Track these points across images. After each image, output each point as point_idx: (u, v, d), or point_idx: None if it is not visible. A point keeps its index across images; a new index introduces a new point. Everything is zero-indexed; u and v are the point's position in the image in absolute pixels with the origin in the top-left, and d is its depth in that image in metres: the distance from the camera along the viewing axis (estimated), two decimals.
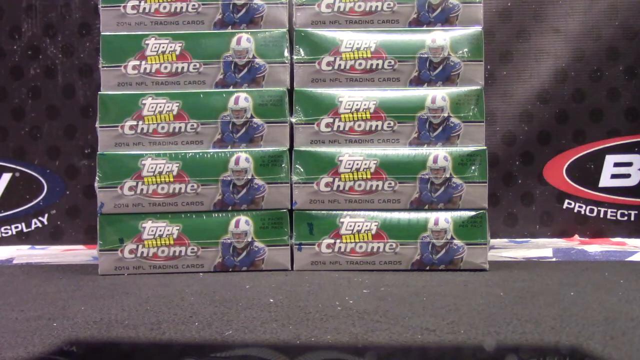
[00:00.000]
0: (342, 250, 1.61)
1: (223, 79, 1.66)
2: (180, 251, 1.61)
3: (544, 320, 1.10)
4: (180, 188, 1.62)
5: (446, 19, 1.67)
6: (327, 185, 1.62)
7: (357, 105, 1.63)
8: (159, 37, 1.66)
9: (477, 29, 1.66)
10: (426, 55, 1.65)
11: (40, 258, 1.93)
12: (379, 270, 1.60)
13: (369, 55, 1.65)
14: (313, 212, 1.63)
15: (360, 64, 1.66)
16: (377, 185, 1.62)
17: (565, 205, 2.18)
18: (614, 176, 2.18)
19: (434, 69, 1.65)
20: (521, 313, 1.16)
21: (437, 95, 1.63)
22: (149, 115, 1.63)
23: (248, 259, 1.61)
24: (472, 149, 1.63)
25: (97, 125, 1.64)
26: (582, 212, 2.18)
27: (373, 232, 1.61)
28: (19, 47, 2.18)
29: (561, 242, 2.10)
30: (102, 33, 1.67)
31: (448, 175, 1.61)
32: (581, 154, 2.18)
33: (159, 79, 1.66)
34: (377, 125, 1.64)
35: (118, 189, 1.61)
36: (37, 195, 2.20)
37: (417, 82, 1.66)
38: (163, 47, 1.65)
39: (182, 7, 1.67)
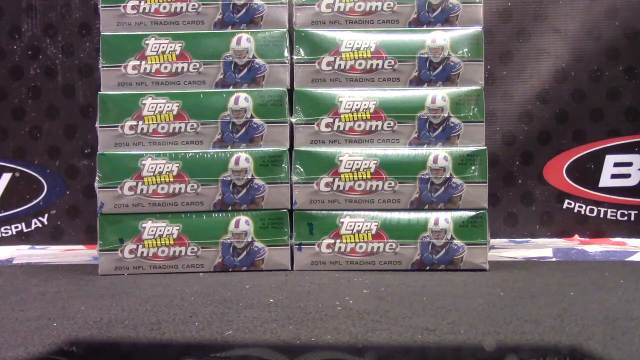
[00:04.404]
0: (342, 250, 1.61)
1: (223, 79, 1.66)
2: (180, 251, 1.61)
3: (544, 320, 1.10)
4: (180, 188, 1.62)
5: (446, 19, 1.67)
6: (327, 185, 1.62)
7: (357, 105, 1.63)
8: (159, 37, 1.66)
9: (477, 29, 1.66)
10: (426, 55, 1.65)
11: (40, 258, 1.93)
12: (379, 270, 1.60)
13: (369, 55, 1.65)
14: (313, 212, 1.63)
15: (360, 64, 1.66)
16: (377, 185, 1.62)
17: (565, 205, 2.18)
18: (614, 176, 2.18)
19: (434, 69, 1.65)
20: (521, 313, 1.16)
21: (437, 95, 1.63)
22: (149, 115, 1.63)
23: (248, 259, 1.61)
24: (472, 149, 1.63)
25: (97, 125, 1.64)
26: (582, 212, 2.18)
27: (373, 232, 1.61)
28: (19, 47, 2.18)
29: (561, 242, 2.10)
30: (102, 33, 1.67)
31: (448, 175, 1.61)
32: (581, 154, 2.18)
33: (159, 79, 1.66)
34: (377, 125, 1.64)
35: (118, 189, 1.61)
36: (37, 195, 2.20)
37: (417, 82, 1.66)
38: (163, 47, 1.65)
39: (182, 7, 1.67)
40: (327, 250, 1.61)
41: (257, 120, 1.63)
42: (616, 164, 2.18)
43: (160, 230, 1.61)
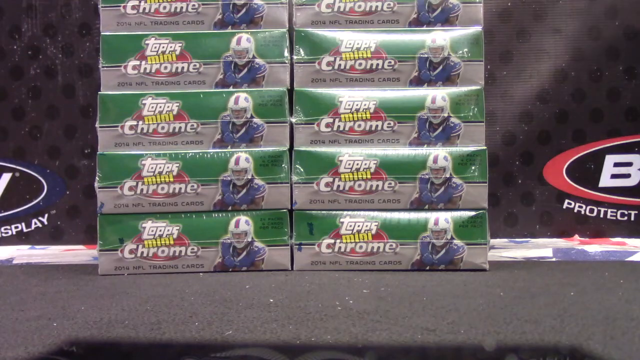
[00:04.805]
0: (342, 250, 1.61)
1: (223, 79, 1.66)
2: (180, 251, 1.61)
3: (544, 320, 1.10)
4: (180, 188, 1.62)
5: (446, 19, 1.67)
6: (327, 185, 1.62)
7: (357, 105, 1.63)
8: (159, 37, 1.66)
9: (477, 29, 1.66)
10: (426, 55, 1.65)
11: (40, 258, 1.93)
12: (379, 270, 1.60)
13: (369, 55, 1.65)
14: (313, 212, 1.63)
15: (360, 64, 1.66)
16: (377, 185, 1.62)
17: (565, 205, 2.18)
18: (614, 176, 2.18)
19: (434, 69, 1.65)
20: (521, 313, 1.16)
21: (437, 95, 1.63)
22: (149, 115, 1.63)
23: (248, 259, 1.61)
24: (472, 149, 1.63)
25: (97, 125, 1.64)
26: (582, 212, 2.18)
27: (373, 232, 1.61)
28: (19, 47, 2.18)
29: (561, 242, 2.10)
30: (102, 33, 1.67)
31: (448, 175, 1.61)
32: (581, 154, 2.18)
33: (159, 79, 1.66)
34: (377, 125, 1.64)
35: (118, 189, 1.61)
36: (37, 195, 2.20)
37: (417, 82, 1.66)
38: (163, 47, 1.65)
39: (182, 7, 1.67)
40: (327, 250, 1.61)
41: (257, 120, 1.63)
42: (616, 164, 2.18)
43: (160, 230, 1.61)
